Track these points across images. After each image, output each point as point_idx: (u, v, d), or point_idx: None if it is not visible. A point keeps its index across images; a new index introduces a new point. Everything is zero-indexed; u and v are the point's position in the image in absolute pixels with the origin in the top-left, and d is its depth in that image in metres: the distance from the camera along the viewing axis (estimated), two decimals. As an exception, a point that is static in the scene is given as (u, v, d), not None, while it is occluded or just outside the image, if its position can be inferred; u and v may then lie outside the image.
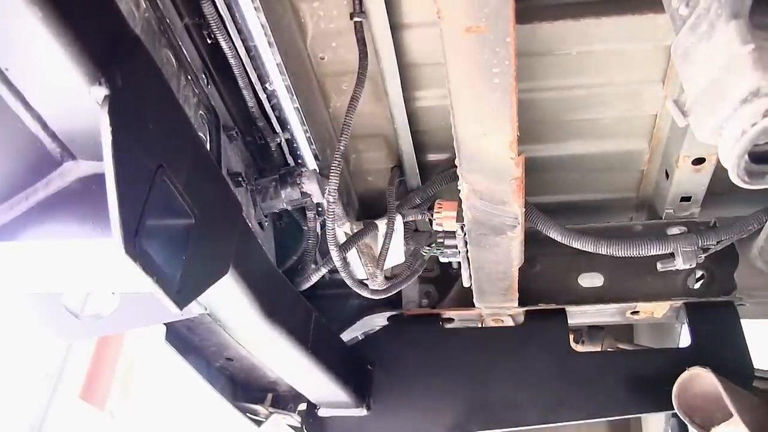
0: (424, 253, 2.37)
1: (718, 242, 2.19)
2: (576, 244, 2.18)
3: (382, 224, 2.31)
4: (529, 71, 2.01)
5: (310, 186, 2.08)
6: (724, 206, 2.41)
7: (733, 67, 0.98)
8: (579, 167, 2.43)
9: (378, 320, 2.80)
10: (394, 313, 2.74)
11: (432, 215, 2.20)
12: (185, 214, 1.28)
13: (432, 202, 2.26)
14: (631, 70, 2.06)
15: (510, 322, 2.67)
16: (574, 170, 2.45)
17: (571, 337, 2.93)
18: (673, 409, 2.36)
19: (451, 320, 2.72)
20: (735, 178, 1.03)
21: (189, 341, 2.29)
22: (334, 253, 2.08)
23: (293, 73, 1.89)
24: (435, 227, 2.20)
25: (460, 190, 1.85)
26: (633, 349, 3.21)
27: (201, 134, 1.75)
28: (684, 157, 2.14)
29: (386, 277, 2.42)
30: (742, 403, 2.18)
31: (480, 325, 2.71)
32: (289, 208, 2.14)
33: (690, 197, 2.34)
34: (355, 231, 2.30)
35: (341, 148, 1.91)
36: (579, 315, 2.68)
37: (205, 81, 1.80)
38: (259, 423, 2.72)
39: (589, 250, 2.18)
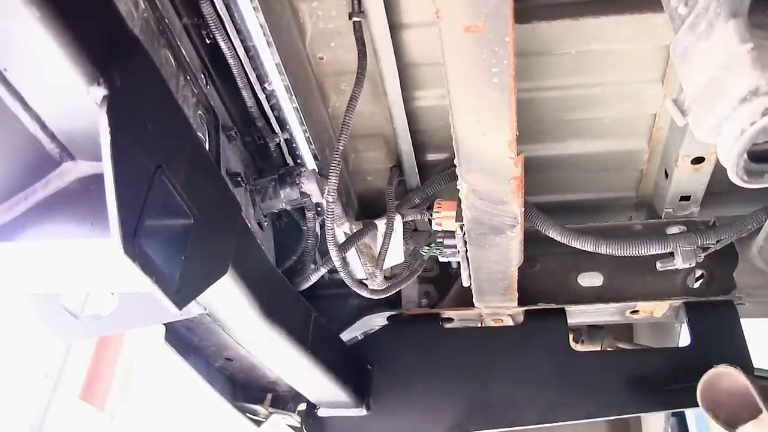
0: (424, 253, 2.37)
1: (717, 241, 2.19)
2: (575, 244, 2.18)
3: (381, 224, 2.31)
4: (528, 71, 2.01)
5: (310, 186, 2.08)
6: (723, 205, 2.41)
7: (731, 66, 0.98)
8: (578, 167, 2.43)
9: (377, 320, 2.80)
10: (393, 312, 2.74)
11: (431, 215, 2.19)
12: (184, 214, 1.28)
13: (431, 202, 2.26)
14: (630, 70, 2.06)
15: (509, 322, 2.67)
16: (574, 170, 2.45)
17: (571, 336, 2.94)
18: (673, 409, 2.35)
19: (450, 320, 2.72)
20: (734, 177, 1.03)
21: (188, 341, 2.28)
22: (333, 253, 2.08)
23: (292, 73, 1.89)
24: (434, 227, 2.19)
25: (459, 190, 1.85)
26: (632, 349, 3.21)
27: (200, 134, 1.74)
28: (683, 156, 2.14)
29: (386, 277, 2.42)
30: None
31: (479, 325, 2.71)
32: (289, 208, 2.14)
33: (689, 196, 2.34)
34: (355, 231, 2.29)
35: (340, 147, 1.91)
36: (578, 314, 2.68)
37: (204, 81, 1.80)
38: (258, 423, 2.72)
39: (589, 250, 2.18)
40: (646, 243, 2.16)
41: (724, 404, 2.28)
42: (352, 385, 2.52)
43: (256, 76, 1.88)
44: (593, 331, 3.11)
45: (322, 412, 2.66)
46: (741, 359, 2.44)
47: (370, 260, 2.43)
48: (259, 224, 2.11)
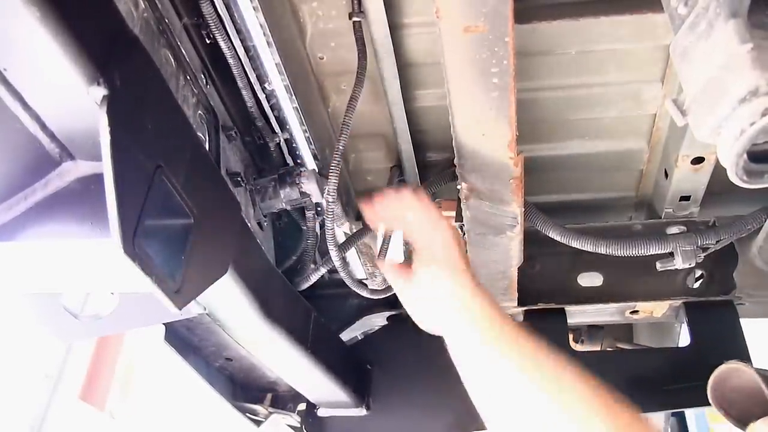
0: (424, 253, 2.37)
1: (717, 241, 2.19)
2: (575, 244, 2.18)
3: (381, 224, 2.31)
4: (528, 71, 2.01)
5: (309, 186, 2.07)
6: (723, 206, 2.40)
7: (731, 66, 0.98)
8: (578, 167, 2.43)
9: (377, 320, 2.80)
10: (393, 312, 2.74)
11: (431, 215, 2.19)
12: (184, 214, 1.28)
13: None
14: (630, 70, 2.05)
15: (509, 322, 2.67)
16: (573, 170, 2.45)
17: (571, 336, 2.94)
18: (673, 409, 2.35)
19: (450, 320, 2.71)
20: (734, 178, 1.03)
21: (188, 341, 2.29)
22: (333, 253, 2.08)
23: (292, 73, 1.89)
24: (434, 227, 2.19)
25: (459, 190, 1.85)
26: (632, 349, 3.21)
27: (200, 134, 1.74)
28: (683, 156, 2.14)
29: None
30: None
31: (480, 325, 2.70)
32: (289, 207, 2.14)
33: (689, 196, 2.34)
34: (355, 231, 2.29)
35: (340, 147, 1.91)
36: (578, 314, 2.68)
37: (204, 81, 1.80)
38: (258, 423, 2.72)
39: (589, 250, 2.18)
40: (646, 243, 2.16)
41: (735, 402, 2.27)
42: (351, 385, 2.52)
43: (256, 76, 1.88)
44: (593, 331, 3.11)
45: (321, 412, 2.66)
46: (741, 359, 2.44)
47: (370, 260, 2.44)
48: (259, 224, 2.11)
